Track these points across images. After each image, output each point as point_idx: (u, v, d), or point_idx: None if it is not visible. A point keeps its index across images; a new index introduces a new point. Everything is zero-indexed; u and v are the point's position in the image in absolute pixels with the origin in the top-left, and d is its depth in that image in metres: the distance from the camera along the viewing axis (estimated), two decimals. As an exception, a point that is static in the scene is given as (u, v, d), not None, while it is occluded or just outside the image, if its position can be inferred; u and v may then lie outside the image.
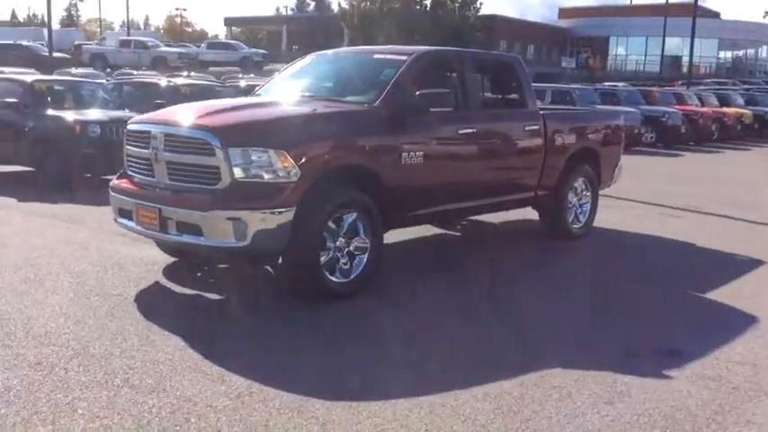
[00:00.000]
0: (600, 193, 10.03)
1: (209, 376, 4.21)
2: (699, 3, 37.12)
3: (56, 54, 38.32)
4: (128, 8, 57.54)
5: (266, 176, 5.31)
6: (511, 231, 9.03)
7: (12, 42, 42.59)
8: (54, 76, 17.94)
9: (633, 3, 79.86)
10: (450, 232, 8.69)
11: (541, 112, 7.70)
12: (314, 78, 7.30)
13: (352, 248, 5.80)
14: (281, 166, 5.31)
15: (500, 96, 7.90)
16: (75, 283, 6.00)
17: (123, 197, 5.98)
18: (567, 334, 5.24)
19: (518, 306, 5.89)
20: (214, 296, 5.90)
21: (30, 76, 14.59)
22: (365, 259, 5.85)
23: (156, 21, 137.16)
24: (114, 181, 6.24)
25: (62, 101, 12.57)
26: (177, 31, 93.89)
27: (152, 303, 5.60)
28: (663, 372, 4.49)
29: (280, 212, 5.29)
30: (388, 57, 6.85)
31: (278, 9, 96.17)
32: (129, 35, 52.60)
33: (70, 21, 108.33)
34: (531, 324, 5.46)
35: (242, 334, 5.04)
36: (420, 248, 7.92)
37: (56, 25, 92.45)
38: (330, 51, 8.00)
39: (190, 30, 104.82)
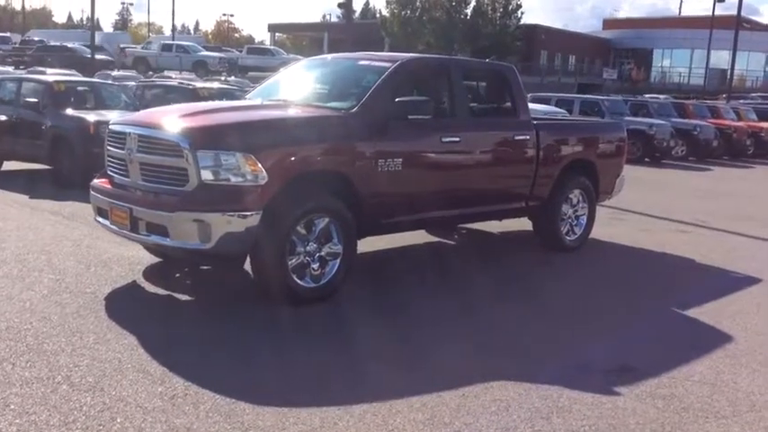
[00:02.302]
0: (608, 205, 9.90)
1: (150, 377, 4.23)
2: (750, 16, 36.34)
3: (99, 56, 39.12)
4: (173, 14, 59.12)
5: (233, 179, 5.33)
6: (507, 241, 8.92)
7: (58, 44, 43.68)
8: (75, 77, 18.33)
9: (680, 15, 78.69)
10: (445, 240, 8.63)
11: (534, 122, 7.60)
12: (302, 83, 7.31)
13: (323, 254, 5.79)
14: (248, 170, 5.32)
15: (490, 105, 7.78)
16: (54, 280, 6.09)
17: (100, 196, 6.06)
18: (526, 347, 5.14)
19: (484, 317, 5.79)
20: (185, 297, 5.95)
21: (52, 76, 14.89)
22: (337, 265, 5.84)
23: (206, 26, 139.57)
24: (95, 180, 6.32)
25: (82, 101, 12.79)
26: (225, 36, 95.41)
27: (120, 303, 5.65)
28: (613, 388, 4.39)
29: (245, 216, 5.30)
30: (373, 63, 6.81)
31: (324, 16, 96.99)
32: (173, 39, 53.42)
33: (123, 24, 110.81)
34: (493, 335, 5.37)
35: (200, 336, 5.04)
36: (404, 255, 7.85)
37: (108, 28, 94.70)
38: (325, 56, 8.03)
39: (237, 35, 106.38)
